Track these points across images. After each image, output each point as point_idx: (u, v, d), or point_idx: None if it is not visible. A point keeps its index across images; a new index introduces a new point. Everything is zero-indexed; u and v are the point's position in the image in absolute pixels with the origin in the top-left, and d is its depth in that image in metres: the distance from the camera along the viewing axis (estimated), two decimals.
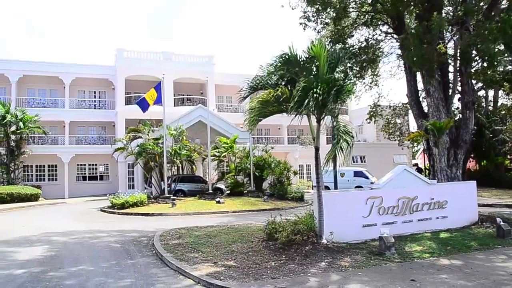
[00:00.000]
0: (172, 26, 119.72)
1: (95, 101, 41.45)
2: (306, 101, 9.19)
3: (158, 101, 25.25)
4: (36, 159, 35.64)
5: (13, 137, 32.67)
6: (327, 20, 20.88)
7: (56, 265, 9.86)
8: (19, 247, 12.30)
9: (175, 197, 23.91)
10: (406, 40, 16.72)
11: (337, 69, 10.58)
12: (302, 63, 10.14)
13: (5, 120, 31.72)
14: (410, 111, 23.42)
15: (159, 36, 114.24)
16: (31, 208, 26.60)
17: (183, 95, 41.47)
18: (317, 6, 19.60)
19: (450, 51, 18.73)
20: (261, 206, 23.08)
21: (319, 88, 9.20)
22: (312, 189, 34.20)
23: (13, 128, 32.24)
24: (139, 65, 38.73)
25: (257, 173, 28.20)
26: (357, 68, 21.02)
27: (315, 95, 9.12)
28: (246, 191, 27.43)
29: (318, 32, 21.43)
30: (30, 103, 38.13)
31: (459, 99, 19.84)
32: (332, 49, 15.84)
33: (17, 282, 8.41)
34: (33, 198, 29.71)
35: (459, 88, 18.48)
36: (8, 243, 12.90)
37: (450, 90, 18.55)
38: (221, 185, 29.59)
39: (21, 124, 32.31)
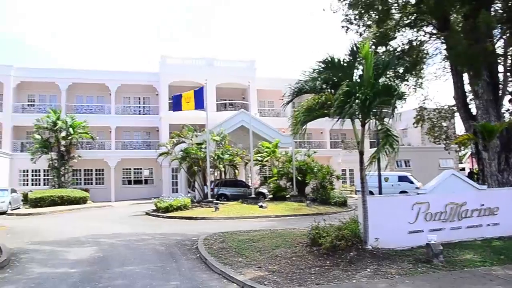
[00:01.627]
0: (211, 31, 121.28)
1: (139, 107, 42.53)
2: (348, 106, 9.06)
3: (201, 106, 25.60)
4: (85, 164, 36.86)
5: (63, 142, 33.91)
6: (369, 23, 20.52)
7: (105, 265, 10.15)
8: (70, 247, 12.77)
9: (218, 201, 24.12)
10: (451, 39, 16.24)
11: (385, 74, 10.34)
12: (345, 67, 10.03)
13: (56, 127, 33.05)
14: (456, 114, 22.68)
15: (199, 41, 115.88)
16: (80, 210, 27.52)
17: (225, 100, 41.88)
18: (359, 9, 19.34)
19: (500, 51, 18.04)
20: (303, 211, 22.94)
21: (362, 92, 9.07)
22: (355, 194, 33.79)
23: (63, 134, 33.47)
24: (182, 71, 39.48)
25: (299, 178, 28.07)
26: (401, 71, 20.56)
27: (357, 100, 8.99)
28: (288, 196, 27.33)
29: (360, 35, 21.11)
30: (79, 110, 39.59)
31: (510, 101, 19.07)
32: (380, 53, 15.56)
33: (69, 281, 8.75)
34: (82, 201, 30.72)
35: (510, 89, 17.77)
36: (60, 244, 13.41)
37: (500, 91, 17.83)
38: (264, 190, 29.64)
39: (70, 130, 33.55)
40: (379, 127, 10.05)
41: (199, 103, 25.33)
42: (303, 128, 10.75)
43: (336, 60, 9.94)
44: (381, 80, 10.09)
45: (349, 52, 9.88)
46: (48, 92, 40.48)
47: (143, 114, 41.98)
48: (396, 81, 19.54)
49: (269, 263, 9.63)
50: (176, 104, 26.21)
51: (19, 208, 28.31)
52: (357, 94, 9.06)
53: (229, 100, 42.10)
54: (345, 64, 10.06)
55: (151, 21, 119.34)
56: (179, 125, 30.77)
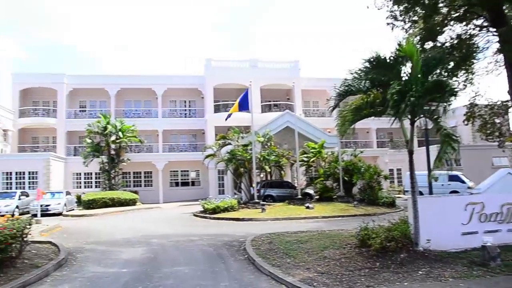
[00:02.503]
0: (254, 32, 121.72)
1: (185, 110, 43.31)
2: (403, 105, 8.80)
3: (246, 108, 25.75)
4: (133, 166, 37.85)
5: (113, 146, 35.02)
6: (415, 18, 19.94)
7: (155, 266, 10.38)
8: (121, 247, 13.15)
9: (264, 203, 24.14)
10: (507, 32, 15.53)
11: (435, 70, 10.00)
12: (391, 65, 9.80)
13: (106, 131, 34.16)
14: (511, 110, 21.70)
15: (242, 43, 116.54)
16: (130, 212, 28.30)
17: (270, 101, 41.95)
18: (405, 5, 18.86)
19: None
20: (351, 212, 22.63)
21: (414, 90, 8.82)
22: (404, 194, 33.02)
23: (113, 137, 34.53)
24: (227, 73, 39.85)
25: (346, 178, 27.71)
26: (449, 66, 19.85)
27: (411, 98, 8.73)
28: (335, 196, 27.02)
29: (406, 31, 20.57)
30: (127, 114, 40.79)
31: None
32: (428, 49, 15.08)
33: (121, 280, 9.01)
34: (132, 202, 31.58)
35: None
36: (112, 244, 13.85)
37: None
38: (310, 190, 29.43)
39: (120, 134, 34.58)
40: (436, 127, 9.68)
41: (244, 105, 25.50)
42: (351, 127, 10.57)
43: (383, 59, 9.72)
44: (431, 76, 9.78)
45: (396, 50, 9.64)
46: (98, 98, 41.95)
47: (189, 117, 42.73)
48: (445, 77, 18.98)
49: (318, 265, 9.55)
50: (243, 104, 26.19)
51: (73, 209, 29.46)
52: (411, 92, 8.80)
53: (274, 101, 42.14)
54: (391, 62, 9.83)
55: (194, 24, 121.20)
56: (224, 127, 31.08)
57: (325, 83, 40.47)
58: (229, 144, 28.59)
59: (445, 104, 9.50)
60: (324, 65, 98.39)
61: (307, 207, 23.06)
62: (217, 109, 40.13)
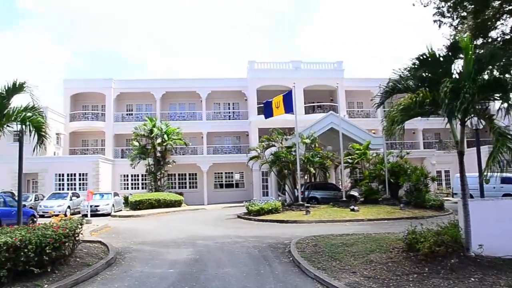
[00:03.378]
0: (296, 33, 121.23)
1: (229, 112, 43.72)
2: (457, 103, 8.46)
3: (290, 109, 25.70)
4: (179, 168, 38.50)
5: (159, 148, 35.77)
6: (464, 14, 19.26)
7: (201, 267, 10.47)
8: (168, 248, 13.37)
9: (308, 205, 23.97)
10: None
11: (488, 67, 9.58)
12: (442, 62, 9.48)
13: (152, 134, 34.96)
14: None
15: (284, 45, 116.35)
16: (175, 213, 28.77)
17: (313, 102, 41.71)
18: (453, 0, 18.27)
19: None
20: (397, 215, 22.11)
21: (467, 87, 8.46)
22: (452, 196, 31.92)
23: (159, 140, 35.27)
24: (270, 75, 39.97)
25: (392, 180, 27.12)
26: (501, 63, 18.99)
27: (466, 95, 8.38)
28: (381, 199, 26.51)
29: (455, 28, 19.89)
30: (172, 117, 41.58)
31: None
32: (479, 45, 14.47)
33: (169, 280, 9.14)
34: (177, 204, 32.13)
35: None
36: (159, 245, 14.10)
37: None
38: (355, 193, 28.98)
39: (165, 136, 35.30)
40: (490, 126, 9.24)
41: (288, 107, 25.47)
42: (399, 128, 10.29)
43: (432, 56, 9.40)
44: (482, 74, 9.38)
45: (448, 46, 9.32)
46: (144, 101, 43.04)
47: (233, 119, 43.08)
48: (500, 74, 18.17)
49: (364, 268, 9.36)
50: (267, 110, 26.54)
51: (121, 210, 30.32)
52: (465, 90, 8.45)
53: (317, 102, 41.87)
54: (442, 59, 9.50)
55: (236, 27, 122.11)
56: (268, 129, 31.12)
57: (369, 83, 39.92)
58: (273, 146, 28.58)
59: (507, 101, 9.03)
60: (367, 66, 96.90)
61: (352, 210, 22.73)
62: (260, 111, 40.11)
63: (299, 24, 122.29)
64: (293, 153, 26.27)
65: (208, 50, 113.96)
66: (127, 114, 43.32)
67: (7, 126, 12.55)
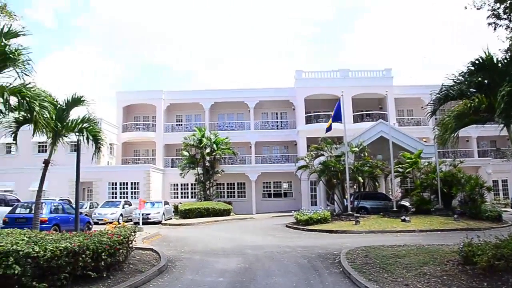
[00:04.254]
0: (343, 42, 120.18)
1: (277, 121, 43.78)
2: None
3: (338, 118, 25.54)
4: (227, 178, 38.87)
5: (208, 158, 36.28)
6: None
7: (250, 276, 10.48)
8: (217, 257, 13.47)
9: (358, 215, 23.60)
10: None
11: None
12: (499, 66, 9.12)
13: (201, 144, 35.53)
14: None
15: (330, 54, 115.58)
16: (224, 222, 28.99)
17: (362, 111, 41.16)
18: (510, 1, 17.55)
19: None
20: (451, 226, 21.36)
21: None
22: (511, 207, 30.54)
23: (208, 150, 35.79)
24: (317, 84, 39.88)
25: (444, 190, 26.26)
26: None
27: None
28: (433, 209, 25.69)
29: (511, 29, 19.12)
30: (221, 127, 42.16)
31: None
32: None
33: None
34: (226, 213, 32.37)
35: None
36: (208, 253, 14.25)
37: None
38: (406, 203, 28.29)
39: (214, 146, 35.77)
40: None
41: (337, 116, 25.32)
42: (453, 136, 9.98)
43: (489, 60, 9.07)
44: None
45: (506, 50, 8.97)
46: (194, 112, 43.88)
47: (281, 128, 43.15)
48: None
49: (417, 281, 9.09)
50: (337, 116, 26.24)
51: (171, 218, 30.92)
52: None
53: (366, 111, 41.28)
54: (500, 63, 9.14)
55: (281, 36, 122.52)
56: (316, 138, 30.97)
57: (419, 90, 39.02)
58: (322, 155, 28.38)
59: None
60: (416, 72, 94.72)
61: (403, 220, 22.18)
62: (308, 120, 40.12)
63: (343, 32, 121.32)
64: (342, 162, 26.00)
65: (253, 60, 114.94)
66: (177, 125, 44.29)
67: (66, 136, 13.19)
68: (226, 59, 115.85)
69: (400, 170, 28.66)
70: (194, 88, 64.74)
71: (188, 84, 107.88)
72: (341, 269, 11.00)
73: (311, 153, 29.17)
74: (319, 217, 23.12)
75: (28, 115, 12.28)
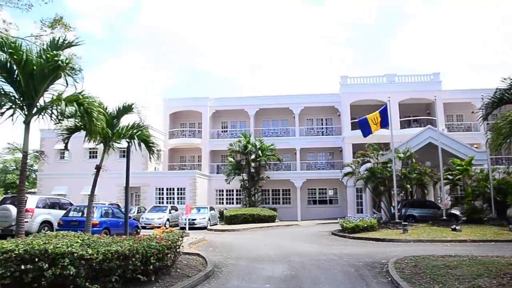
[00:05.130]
0: (383, 45, 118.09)
1: (322, 128, 43.53)
2: None
3: (386, 124, 25.14)
4: (272, 184, 38.94)
5: (253, 164, 36.49)
6: None
7: (297, 283, 10.40)
8: (263, 263, 13.48)
9: (406, 223, 23.05)
10: None
11: None
12: None
13: (246, 150, 35.80)
14: None
15: (375, 59, 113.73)
16: (269, 228, 28.98)
17: (409, 116, 40.23)
18: None
19: None
20: (506, 236, 20.33)
21: None
22: None
23: (253, 156, 36.00)
24: (363, 90, 39.40)
25: (498, 198, 25.24)
26: None
27: None
28: (486, 219, 24.71)
29: None
30: (266, 133, 42.30)
31: None
32: None
33: None
34: (270, 219, 32.39)
35: None
36: (254, 260, 14.27)
37: None
38: (456, 211, 27.38)
39: (259, 152, 35.94)
40: None
41: (384, 122, 24.94)
42: (507, 141, 9.59)
43: None
44: None
45: None
46: (239, 119, 44.27)
47: (326, 135, 42.84)
48: None
49: None
50: (365, 128, 25.96)
51: (216, 224, 31.26)
52: None
53: (413, 116, 40.31)
54: None
55: (324, 42, 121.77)
56: (361, 144, 30.56)
57: (470, 94, 37.78)
58: (368, 161, 27.95)
59: None
60: (465, 76, 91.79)
61: (454, 229, 21.43)
62: (354, 126, 39.54)
63: (386, 36, 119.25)
64: (389, 169, 25.50)
65: (296, 66, 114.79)
66: (222, 131, 44.81)
67: (118, 142, 13.67)
68: (269, 65, 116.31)
69: (450, 177, 27.73)
70: (238, 94, 65.44)
71: (231, 90, 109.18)
72: (389, 279, 10.76)
73: (357, 159, 28.82)
74: (365, 225, 22.75)
75: (80, 123, 12.81)
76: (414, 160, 26.52)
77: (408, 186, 26.10)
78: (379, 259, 13.80)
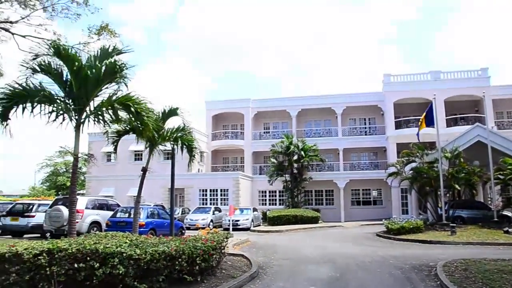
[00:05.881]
0: (425, 42, 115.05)
1: (365, 127, 42.96)
2: None
3: (431, 123, 24.55)
4: (315, 185, 38.71)
5: (295, 165, 36.38)
6: None
7: (342, 285, 10.31)
8: (307, 265, 13.40)
9: (454, 224, 22.37)
10: None
11: None
12: None
13: (289, 151, 35.75)
14: None
15: (414, 55, 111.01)
16: (312, 229, 28.78)
17: (456, 114, 39.02)
18: None
19: None
20: None
21: None
22: None
23: (296, 157, 35.90)
24: (407, 88, 38.54)
25: None
26: None
27: None
28: None
29: None
30: (308, 134, 42.16)
31: None
32: None
33: None
34: (314, 220, 32.16)
35: None
36: (298, 261, 14.20)
37: None
38: (508, 213, 26.30)
39: (302, 153, 35.82)
40: None
41: (430, 120, 24.33)
42: None
43: None
44: None
45: None
46: (281, 119, 44.31)
47: (369, 134, 42.26)
48: None
49: None
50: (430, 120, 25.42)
51: (259, 225, 31.33)
52: None
53: (460, 114, 39.03)
54: None
55: (366, 39, 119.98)
56: (406, 144, 29.93)
57: None
58: (413, 161, 27.31)
59: None
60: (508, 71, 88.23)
61: (506, 232, 20.62)
62: (398, 125, 38.80)
63: (429, 31, 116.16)
64: (435, 169, 24.82)
65: (337, 65, 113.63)
66: (264, 132, 44.95)
67: (163, 145, 13.98)
68: (311, 66, 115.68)
69: (501, 177, 26.64)
70: (280, 95, 65.30)
71: (273, 92, 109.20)
72: (438, 283, 10.47)
73: (402, 159, 28.23)
74: (411, 226, 22.26)
75: (128, 126, 13.16)
76: (461, 159, 25.69)
77: (456, 186, 25.27)
78: (426, 262, 13.46)
